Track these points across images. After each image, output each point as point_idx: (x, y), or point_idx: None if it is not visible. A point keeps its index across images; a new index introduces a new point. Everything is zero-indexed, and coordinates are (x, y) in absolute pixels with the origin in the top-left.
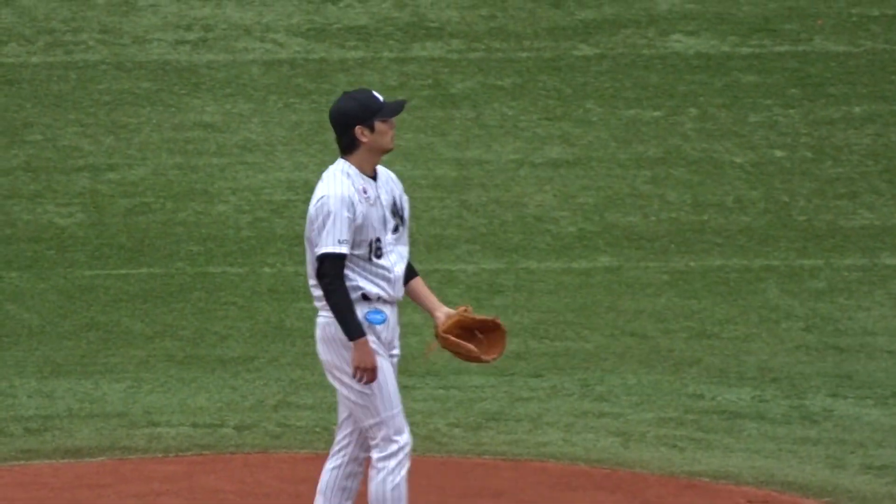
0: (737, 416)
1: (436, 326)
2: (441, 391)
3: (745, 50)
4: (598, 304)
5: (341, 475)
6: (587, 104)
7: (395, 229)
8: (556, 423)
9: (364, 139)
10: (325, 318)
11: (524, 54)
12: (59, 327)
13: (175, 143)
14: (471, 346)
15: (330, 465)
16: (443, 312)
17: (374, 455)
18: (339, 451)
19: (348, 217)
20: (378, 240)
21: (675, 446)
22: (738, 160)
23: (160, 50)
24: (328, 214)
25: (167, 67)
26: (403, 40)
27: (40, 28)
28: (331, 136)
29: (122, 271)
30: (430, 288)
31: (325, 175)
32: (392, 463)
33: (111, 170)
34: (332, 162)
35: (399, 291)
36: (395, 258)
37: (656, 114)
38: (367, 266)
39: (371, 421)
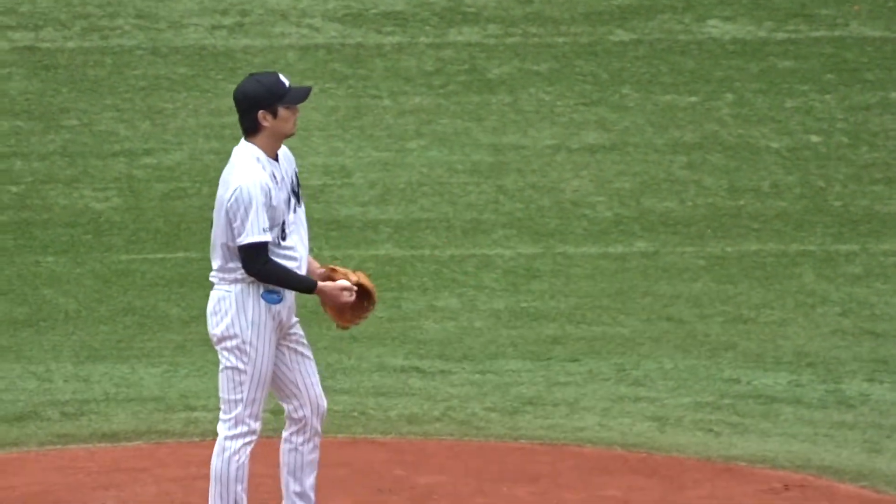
0: (773, 401)
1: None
2: (478, 376)
3: (781, 35)
4: (635, 289)
5: (308, 449)
6: (624, 89)
7: (295, 209)
8: (593, 407)
9: (266, 124)
10: (219, 291)
11: (561, 39)
12: (95, 312)
13: (211, 128)
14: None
15: (294, 441)
16: (323, 268)
17: (223, 431)
18: (301, 426)
19: (266, 204)
20: (283, 222)
21: (711, 431)
22: (775, 145)
23: (196, 35)
24: (250, 204)
25: (203, 52)
26: (440, 25)
27: (76, 13)
28: (367, 121)
29: (159, 256)
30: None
31: (235, 161)
32: (239, 443)
33: (147, 154)
34: (368, 147)
35: (303, 271)
36: (297, 238)
37: (693, 99)
38: (276, 250)
39: (234, 397)
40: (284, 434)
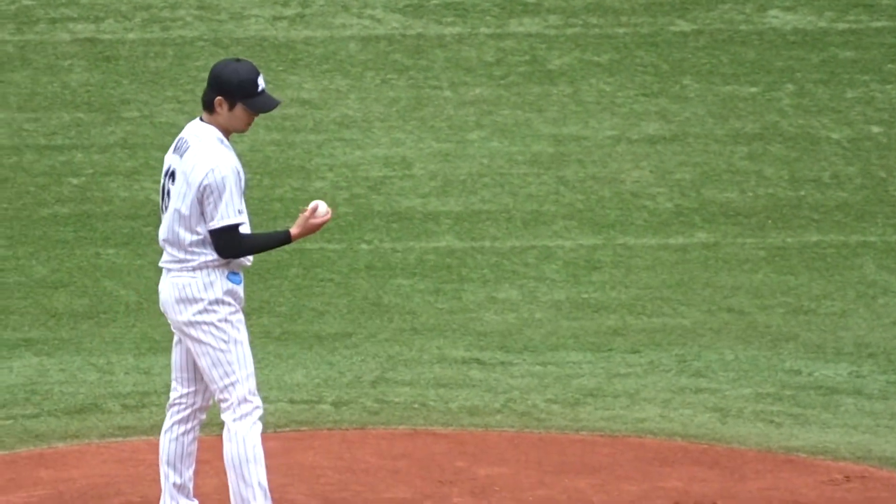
0: (834, 392)
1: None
2: (539, 367)
3: (841, 25)
4: (696, 280)
5: (189, 440)
6: (684, 80)
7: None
8: (654, 398)
9: (219, 112)
10: (182, 278)
11: (621, 30)
12: (156, 304)
13: (272, 120)
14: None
15: (176, 431)
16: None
17: (228, 417)
18: (187, 415)
19: (240, 187)
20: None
21: (772, 422)
22: (835, 136)
23: (257, 26)
24: (223, 186)
25: (264, 44)
26: (501, 16)
27: (137, 4)
28: (428, 112)
29: None
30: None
31: (199, 142)
32: (247, 424)
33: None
34: (429, 139)
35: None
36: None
37: (753, 90)
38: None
39: (226, 381)
40: (166, 425)
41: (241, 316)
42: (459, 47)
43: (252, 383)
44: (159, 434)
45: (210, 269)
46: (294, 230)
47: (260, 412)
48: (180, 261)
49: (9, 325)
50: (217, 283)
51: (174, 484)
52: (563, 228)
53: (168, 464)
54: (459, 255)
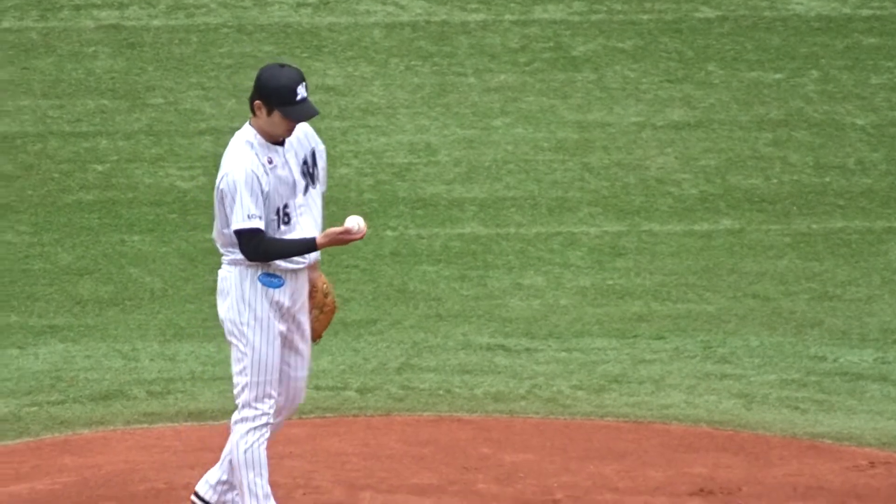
0: (859, 378)
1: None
2: (564, 354)
3: (866, 11)
4: (721, 267)
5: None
6: (709, 66)
7: (305, 190)
8: (679, 384)
9: (259, 115)
10: (222, 272)
11: (646, 16)
12: (181, 290)
13: None
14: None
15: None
16: (319, 275)
17: (233, 418)
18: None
19: (252, 191)
20: (286, 206)
21: (797, 408)
22: (860, 122)
23: (281, 13)
24: (234, 191)
25: (289, 30)
26: (525, 2)
27: None
28: (453, 98)
29: None
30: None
31: (230, 143)
32: (245, 427)
33: (233, 133)
34: (454, 125)
35: (310, 257)
36: (306, 221)
37: (778, 76)
38: (276, 235)
39: (242, 380)
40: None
41: (268, 322)
42: (484, 34)
43: (262, 391)
44: (184, 421)
45: (242, 267)
46: (320, 238)
47: (265, 420)
48: (223, 255)
49: (34, 312)
50: (246, 283)
51: (220, 480)
52: (587, 215)
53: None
54: (484, 242)
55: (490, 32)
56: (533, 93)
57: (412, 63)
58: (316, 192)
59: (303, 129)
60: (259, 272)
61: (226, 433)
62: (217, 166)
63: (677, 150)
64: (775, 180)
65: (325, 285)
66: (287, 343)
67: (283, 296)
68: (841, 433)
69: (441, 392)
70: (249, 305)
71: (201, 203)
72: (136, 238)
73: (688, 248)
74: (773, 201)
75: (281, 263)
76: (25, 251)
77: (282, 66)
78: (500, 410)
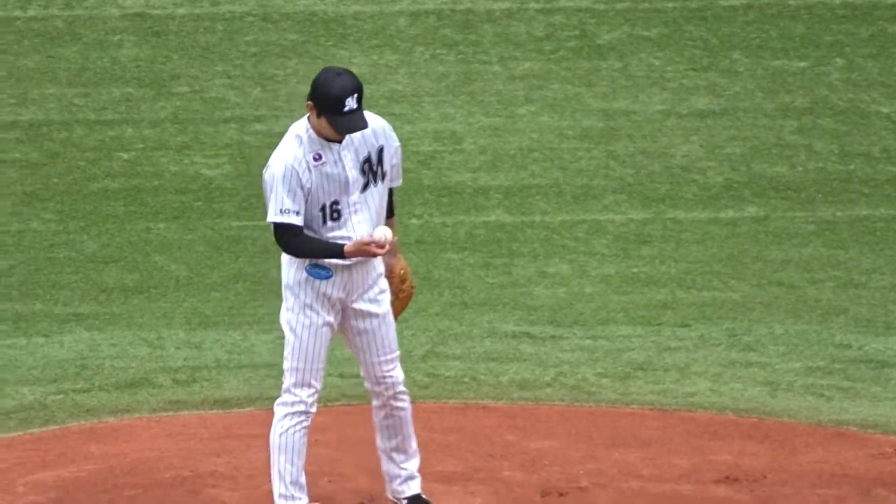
0: (884, 366)
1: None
2: (589, 341)
3: None
4: (745, 254)
5: (380, 417)
6: (734, 54)
7: (365, 187)
8: (704, 372)
9: (310, 114)
10: (282, 259)
11: (671, 4)
12: (207, 278)
13: None
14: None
15: (373, 407)
16: (397, 261)
17: (277, 400)
18: (374, 395)
19: (291, 187)
20: (335, 202)
21: (822, 395)
22: (885, 110)
23: (307, 1)
24: (272, 184)
25: (314, 18)
26: None
27: None
28: (478, 87)
29: None
30: (394, 232)
31: (285, 134)
32: (283, 412)
33: (258, 121)
34: (479, 113)
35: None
36: (360, 219)
37: (802, 64)
38: (321, 231)
39: (285, 365)
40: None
41: (312, 311)
42: (509, 22)
43: (301, 378)
44: (209, 408)
45: (290, 257)
46: (348, 247)
47: (301, 408)
48: None
49: (60, 300)
50: (293, 270)
51: (381, 449)
52: (612, 203)
53: (377, 432)
54: (509, 230)
55: (515, 20)
56: (558, 81)
57: (437, 51)
58: (378, 190)
59: (373, 124)
60: (307, 262)
61: (251, 421)
62: (242, 154)
63: (702, 138)
64: (800, 168)
65: (402, 271)
66: (348, 331)
67: (331, 288)
68: (866, 420)
69: (466, 380)
70: (294, 293)
71: (226, 191)
72: (161, 226)
73: (713, 236)
74: (797, 189)
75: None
76: (51, 239)
77: (339, 73)
78: (525, 398)
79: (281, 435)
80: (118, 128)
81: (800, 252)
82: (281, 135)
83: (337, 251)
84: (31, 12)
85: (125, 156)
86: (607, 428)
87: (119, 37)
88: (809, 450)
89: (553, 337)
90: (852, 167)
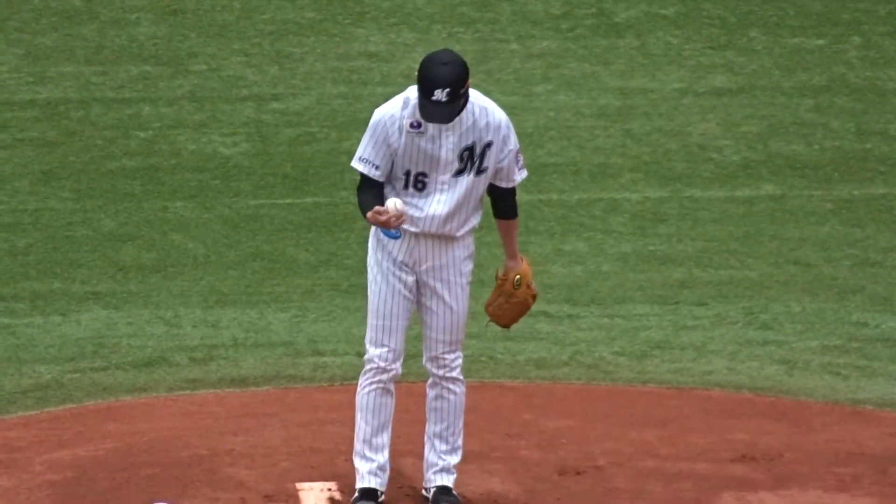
0: None
1: (505, 278)
2: (606, 320)
3: None
4: (762, 233)
5: (431, 396)
6: (751, 32)
7: (459, 172)
8: (721, 351)
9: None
10: None
11: None
12: (224, 257)
13: (339, 73)
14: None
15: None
16: (514, 265)
17: None
18: (429, 373)
19: (376, 139)
20: (423, 174)
21: (839, 374)
22: None
23: None
24: (366, 129)
25: None
26: None
27: None
28: (495, 65)
29: (287, 201)
30: (512, 234)
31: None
32: (363, 369)
33: (275, 99)
34: (496, 91)
35: (432, 227)
36: (443, 198)
37: (820, 42)
38: (401, 194)
39: (368, 320)
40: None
41: (386, 269)
42: (526, 0)
43: (376, 335)
44: (226, 387)
45: None
46: (369, 213)
47: (374, 366)
48: None
49: (77, 279)
50: (372, 228)
51: (426, 434)
52: (629, 181)
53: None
54: (526, 208)
55: None
56: (575, 59)
57: (454, 30)
58: (471, 180)
59: (489, 119)
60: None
61: (268, 399)
62: (259, 133)
63: (719, 117)
64: (817, 146)
65: (517, 277)
66: (418, 302)
67: (398, 250)
68: (883, 399)
69: (484, 358)
70: (372, 249)
71: (244, 169)
72: (178, 204)
73: (729, 215)
74: (814, 167)
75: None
76: (68, 218)
77: (445, 63)
78: (542, 377)
79: (358, 394)
80: (136, 106)
81: (816, 231)
82: (297, 113)
83: (365, 212)
84: None
85: (142, 134)
86: (624, 407)
87: (136, 15)
88: (826, 428)
89: (570, 316)
90: (869, 146)
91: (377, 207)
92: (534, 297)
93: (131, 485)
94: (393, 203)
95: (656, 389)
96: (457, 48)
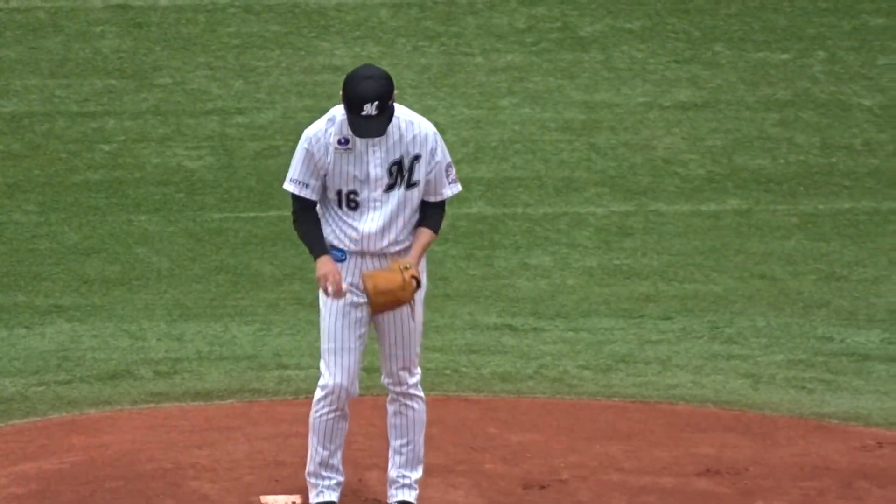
0: (866, 358)
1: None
2: (571, 333)
3: None
4: (728, 247)
5: (390, 412)
6: (716, 47)
7: (390, 188)
8: (686, 365)
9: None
10: None
11: None
12: (188, 270)
13: (304, 87)
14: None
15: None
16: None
17: None
18: (389, 389)
19: (305, 160)
20: (354, 192)
21: (804, 388)
22: (867, 103)
23: None
24: (294, 152)
25: (296, 10)
26: None
27: None
28: (460, 78)
29: (251, 214)
30: (423, 241)
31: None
32: (317, 394)
33: (240, 113)
34: (461, 105)
35: (370, 246)
36: (376, 214)
37: (785, 56)
38: (335, 214)
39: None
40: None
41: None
42: (491, 14)
43: (326, 359)
44: (190, 400)
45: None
46: (318, 264)
47: (328, 391)
48: None
49: (41, 292)
50: None
51: (391, 447)
52: (594, 195)
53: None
54: (491, 222)
55: (497, 13)
56: (540, 73)
57: (419, 43)
58: (402, 195)
59: (416, 132)
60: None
61: (232, 413)
62: (223, 146)
63: (684, 131)
64: (782, 161)
65: (407, 264)
66: (373, 319)
67: (346, 272)
68: (848, 413)
69: (448, 372)
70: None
71: (208, 183)
72: (143, 218)
73: (695, 229)
74: (779, 182)
75: (344, 239)
76: (32, 231)
77: (369, 76)
78: (507, 390)
79: (313, 416)
80: (100, 119)
81: (782, 245)
82: (262, 127)
83: (314, 255)
84: (13, 3)
85: (107, 147)
86: (589, 420)
87: (101, 28)
88: (791, 442)
89: (535, 329)
90: (834, 160)
91: (325, 275)
92: (411, 282)
93: (96, 498)
94: (339, 282)
95: (621, 403)
96: (421, 62)
